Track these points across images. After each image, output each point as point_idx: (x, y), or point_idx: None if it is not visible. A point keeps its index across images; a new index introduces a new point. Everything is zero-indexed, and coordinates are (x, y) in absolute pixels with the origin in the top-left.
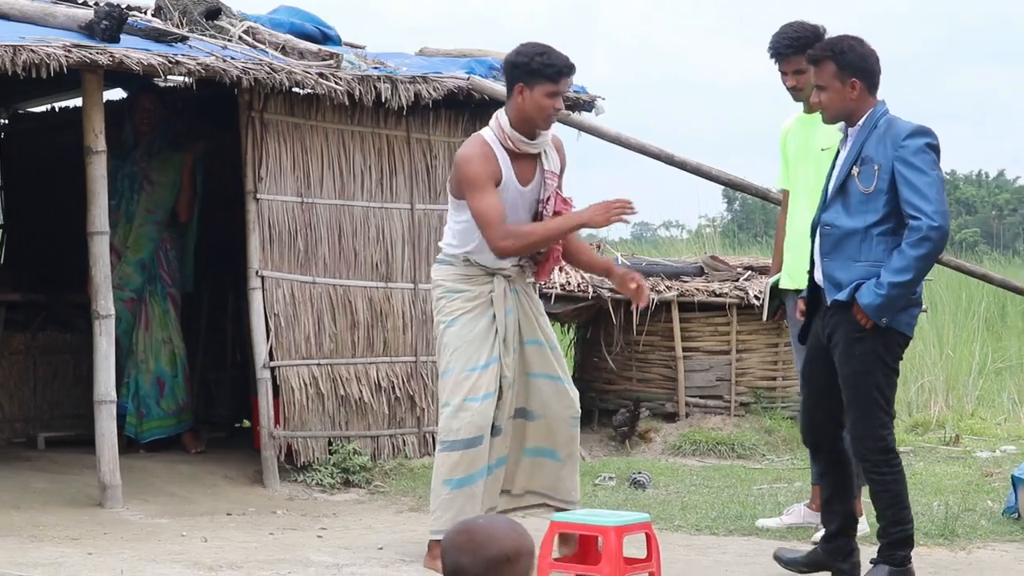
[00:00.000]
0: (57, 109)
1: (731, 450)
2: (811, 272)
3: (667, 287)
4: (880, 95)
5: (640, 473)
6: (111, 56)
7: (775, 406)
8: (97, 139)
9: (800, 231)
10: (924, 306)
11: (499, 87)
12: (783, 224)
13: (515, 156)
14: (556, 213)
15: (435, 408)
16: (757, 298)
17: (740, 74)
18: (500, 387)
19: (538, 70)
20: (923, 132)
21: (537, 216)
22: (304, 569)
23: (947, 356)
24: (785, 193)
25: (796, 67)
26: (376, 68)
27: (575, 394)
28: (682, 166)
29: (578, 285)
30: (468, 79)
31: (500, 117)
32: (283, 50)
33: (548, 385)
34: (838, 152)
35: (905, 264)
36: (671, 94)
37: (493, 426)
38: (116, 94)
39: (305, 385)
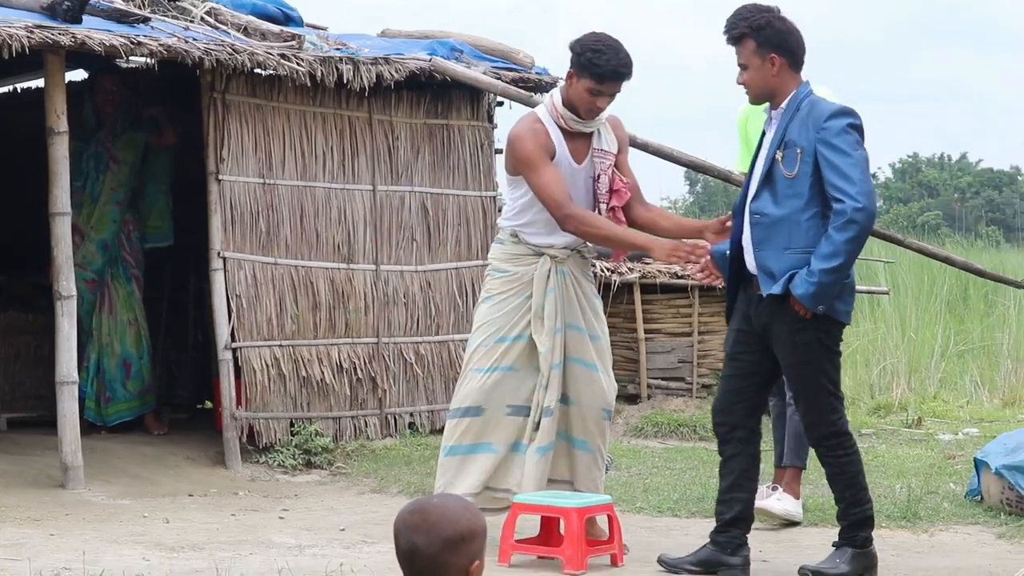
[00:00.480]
0: (19, 90)
1: (693, 432)
2: (736, 255)
3: (629, 269)
4: (835, 81)
5: None
6: (73, 37)
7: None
8: (59, 120)
9: None
10: (886, 288)
11: (460, 68)
12: None
13: (568, 134)
14: (611, 191)
15: (396, 390)
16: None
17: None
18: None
19: (586, 65)
20: (845, 112)
21: (592, 194)
22: (266, 550)
23: (909, 339)
24: (745, 176)
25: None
26: (338, 49)
27: (610, 386)
28: (644, 148)
29: None
30: (430, 60)
31: (555, 95)
32: (245, 31)
33: (583, 372)
34: (763, 136)
35: (833, 249)
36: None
37: (523, 407)
38: (78, 75)
39: (267, 366)
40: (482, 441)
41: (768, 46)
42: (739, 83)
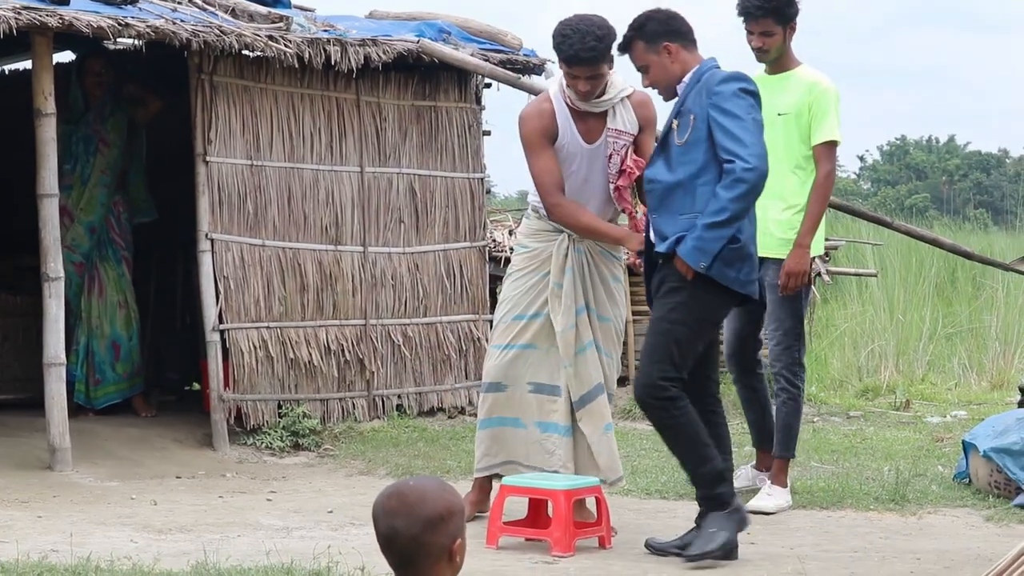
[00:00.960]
0: (6, 72)
1: None
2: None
3: None
4: (824, 64)
5: None
6: (61, 18)
7: (725, 370)
8: (47, 101)
9: None
10: (874, 270)
11: (448, 50)
12: None
13: (580, 113)
14: (622, 171)
15: (384, 372)
16: None
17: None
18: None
19: (556, 50)
20: (736, 78)
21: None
22: (254, 532)
23: (897, 321)
24: None
25: (764, 28)
26: (326, 31)
27: (611, 370)
28: None
29: None
30: (418, 42)
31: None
32: (233, 13)
33: (590, 354)
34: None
35: (719, 206)
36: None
37: (546, 385)
38: (66, 56)
39: (255, 348)
40: (508, 415)
41: (657, 38)
42: (645, 87)
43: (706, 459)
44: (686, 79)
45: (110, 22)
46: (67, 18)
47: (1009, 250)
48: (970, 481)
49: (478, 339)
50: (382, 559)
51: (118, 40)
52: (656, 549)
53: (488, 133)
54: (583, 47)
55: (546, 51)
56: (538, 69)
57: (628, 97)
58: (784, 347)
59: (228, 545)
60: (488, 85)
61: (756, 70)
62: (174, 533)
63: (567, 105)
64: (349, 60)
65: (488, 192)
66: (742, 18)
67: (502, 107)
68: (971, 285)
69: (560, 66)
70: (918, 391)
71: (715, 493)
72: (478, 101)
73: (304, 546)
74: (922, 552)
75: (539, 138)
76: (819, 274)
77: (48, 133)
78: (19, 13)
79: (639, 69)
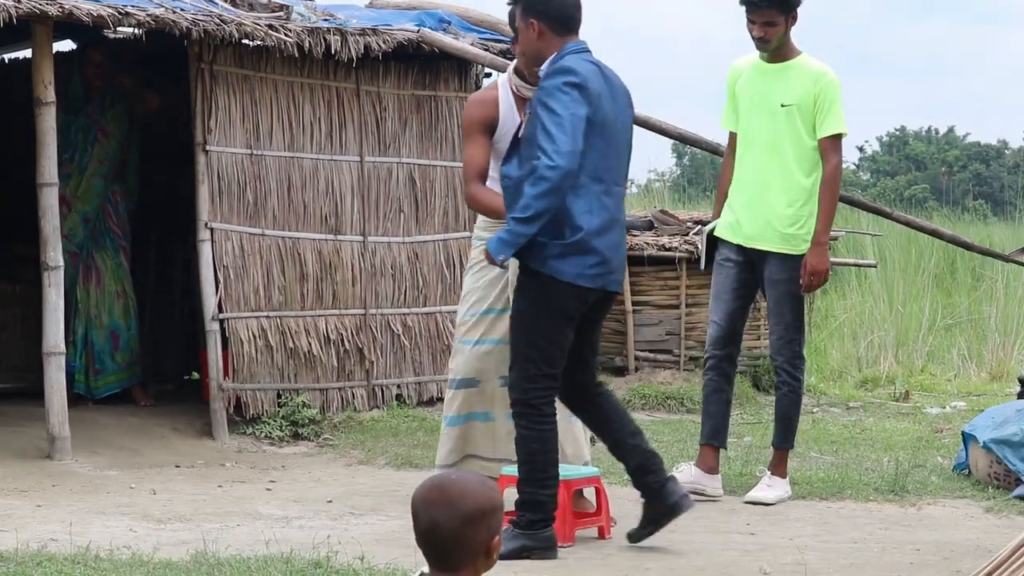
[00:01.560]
0: (6, 60)
1: (680, 404)
2: None
3: None
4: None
5: None
6: (60, 7)
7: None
8: (47, 90)
9: (752, 183)
10: (874, 261)
11: (448, 39)
12: (729, 167)
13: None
14: None
15: (383, 361)
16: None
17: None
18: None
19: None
20: (560, 71)
21: None
22: (253, 522)
23: (897, 312)
24: (731, 136)
25: (768, 19)
26: (326, 20)
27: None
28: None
29: None
30: (418, 31)
31: (514, 62)
32: (233, 2)
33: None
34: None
35: (524, 202)
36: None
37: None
38: (66, 45)
39: (254, 337)
40: (479, 410)
41: (529, 12)
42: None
43: (533, 481)
44: (544, 66)
45: (110, 11)
46: (67, 7)
47: (1008, 241)
48: (970, 472)
49: None
50: (382, 549)
51: (118, 29)
52: (635, 539)
53: None
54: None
55: None
56: None
57: None
58: (786, 340)
59: (227, 534)
60: (488, 74)
61: (752, 57)
62: (173, 522)
63: (513, 93)
64: (349, 49)
65: None
66: (745, 7)
67: None
68: (971, 276)
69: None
70: (918, 382)
71: (524, 515)
72: (478, 90)
73: (303, 536)
74: (922, 543)
75: (475, 126)
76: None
77: (48, 122)
78: (19, 2)
79: (513, 31)
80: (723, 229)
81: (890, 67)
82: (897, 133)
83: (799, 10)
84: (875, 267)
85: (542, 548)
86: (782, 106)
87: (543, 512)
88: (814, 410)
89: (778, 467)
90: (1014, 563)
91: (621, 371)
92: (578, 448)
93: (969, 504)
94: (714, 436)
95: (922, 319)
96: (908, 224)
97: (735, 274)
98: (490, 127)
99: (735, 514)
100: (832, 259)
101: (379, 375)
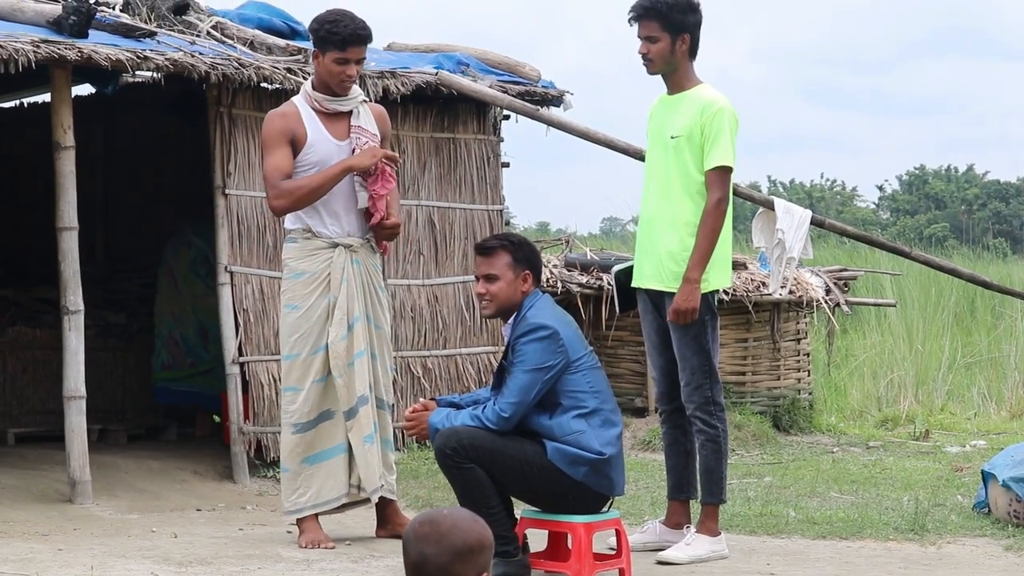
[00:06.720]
0: (26, 105)
1: None
2: None
3: None
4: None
5: None
6: (79, 51)
7: (744, 401)
8: (65, 134)
9: (645, 220)
10: (893, 300)
11: (466, 82)
12: None
13: (327, 115)
14: (381, 173)
15: (404, 404)
16: (726, 292)
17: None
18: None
19: (326, 38)
20: (530, 329)
21: None
22: (274, 564)
23: (916, 351)
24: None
25: (649, 32)
26: None
27: (386, 377)
28: (558, 126)
29: (547, 280)
30: (436, 74)
31: (308, 80)
32: (251, 45)
33: (360, 364)
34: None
35: (487, 415)
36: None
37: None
38: (84, 90)
39: (274, 380)
40: (334, 444)
41: (519, 265)
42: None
43: (490, 516)
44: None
45: (128, 55)
46: (86, 51)
47: None
48: (989, 511)
49: None
50: None
51: (136, 73)
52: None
53: (507, 165)
54: (357, 26)
55: (565, 83)
56: (557, 101)
57: (367, 104)
58: (694, 387)
59: None
60: (507, 117)
61: (660, 93)
62: (194, 566)
63: (312, 108)
64: (367, 92)
65: (507, 224)
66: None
67: (521, 139)
68: (990, 315)
69: (330, 55)
70: (937, 421)
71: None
72: (496, 133)
73: None
74: None
75: (276, 136)
76: (837, 304)
77: (67, 166)
78: (38, 46)
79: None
80: (635, 274)
81: (909, 106)
82: (917, 172)
83: (697, 41)
84: (895, 306)
85: (516, 574)
86: (672, 138)
87: (506, 540)
88: (834, 449)
89: (705, 523)
90: None
91: (641, 412)
92: (369, 474)
93: (989, 543)
94: (678, 490)
95: (942, 358)
96: (927, 263)
97: (651, 322)
98: (291, 138)
99: (755, 555)
100: (851, 299)
101: (400, 418)
